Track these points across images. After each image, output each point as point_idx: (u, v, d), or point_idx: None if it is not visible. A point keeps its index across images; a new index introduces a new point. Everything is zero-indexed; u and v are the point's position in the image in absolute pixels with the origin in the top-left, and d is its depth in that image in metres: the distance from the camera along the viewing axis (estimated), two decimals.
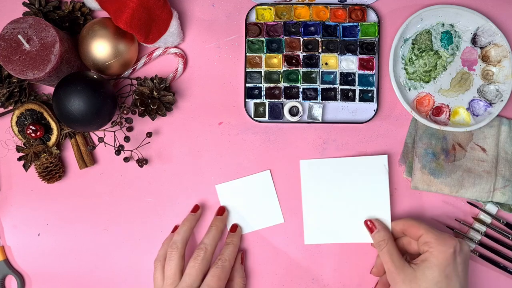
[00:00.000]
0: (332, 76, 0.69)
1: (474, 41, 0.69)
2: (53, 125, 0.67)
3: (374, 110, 0.69)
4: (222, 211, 0.68)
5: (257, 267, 0.69)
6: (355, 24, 0.69)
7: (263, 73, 0.69)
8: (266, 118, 0.69)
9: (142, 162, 0.68)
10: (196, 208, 0.68)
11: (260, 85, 0.69)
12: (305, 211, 0.68)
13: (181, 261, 0.63)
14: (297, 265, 0.69)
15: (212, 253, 0.64)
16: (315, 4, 0.69)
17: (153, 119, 0.67)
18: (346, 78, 0.69)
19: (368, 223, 0.66)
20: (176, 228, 0.68)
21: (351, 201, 0.68)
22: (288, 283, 0.69)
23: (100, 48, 0.64)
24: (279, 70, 0.69)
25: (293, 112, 0.69)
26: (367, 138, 0.69)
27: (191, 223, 0.67)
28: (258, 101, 0.69)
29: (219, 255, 0.65)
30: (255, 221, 0.69)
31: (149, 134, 0.68)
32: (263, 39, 0.69)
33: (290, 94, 0.69)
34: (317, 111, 0.69)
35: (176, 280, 0.62)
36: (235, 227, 0.68)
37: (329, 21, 0.69)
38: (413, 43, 0.69)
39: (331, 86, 0.69)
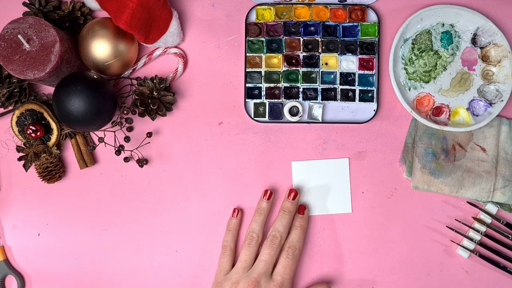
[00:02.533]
0: (332, 76, 0.69)
1: (474, 41, 0.69)
2: (53, 125, 0.67)
3: (374, 110, 0.69)
4: (295, 195, 0.67)
5: None
6: (355, 24, 0.69)
7: (263, 73, 0.69)
8: (266, 118, 0.69)
9: (142, 162, 0.68)
10: (270, 195, 0.67)
11: (260, 85, 0.69)
12: None
13: (258, 249, 0.65)
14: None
15: (285, 239, 0.65)
16: (315, 4, 0.69)
17: (153, 119, 0.67)
18: (346, 78, 0.69)
19: None
20: (234, 210, 0.68)
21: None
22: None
23: (100, 48, 0.64)
24: (279, 70, 0.69)
25: (293, 112, 0.69)
26: (367, 138, 0.69)
27: (266, 211, 0.67)
28: (258, 101, 0.69)
29: (287, 241, 0.65)
30: (324, 205, 0.69)
31: (149, 134, 0.68)
32: (263, 39, 0.69)
33: (290, 94, 0.69)
34: (317, 111, 0.69)
35: (250, 265, 0.64)
36: (303, 209, 0.67)
37: (329, 21, 0.69)
38: (413, 43, 0.69)
39: (331, 86, 0.69)
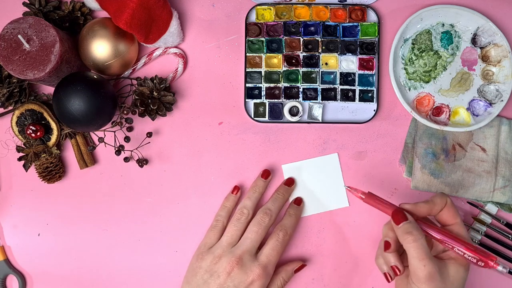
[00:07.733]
0: (332, 76, 0.69)
1: (474, 41, 0.69)
2: (53, 125, 0.67)
3: (374, 110, 0.69)
4: (291, 182, 0.68)
5: None
6: (355, 24, 0.69)
7: (263, 73, 0.69)
8: (266, 118, 0.69)
9: (142, 162, 0.68)
10: (267, 174, 0.67)
11: (260, 85, 0.69)
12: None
13: (246, 226, 0.64)
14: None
15: (275, 220, 0.65)
16: (315, 4, 0.69)
17: (153, 119, 0.67)
18: (346, 78, 0.69)
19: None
20: (235, 188, 0.68)
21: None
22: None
23: (100, 48, 0.64)
24: (279, 70, 0.69)
25: (293, 112, 0.69)
26: (367, 138, 0.69)
27: (261, 190, 0.67)
28: (258, 101, 0.69)
29: (279, 225, 0.65)
30: (321, 203, 0.69)
31: (149, 134, 0.68)
32: (263, 39, 0.69)
33: (290, 94, 0.69)
34: (317, 111, 0.69)
35: (235, 241, 0.63)
36: (300, 201, 0.68)
37: (329, 21, 0.69)
38: (413, 43, 0.69)
39: (331, 86, 0.69)
